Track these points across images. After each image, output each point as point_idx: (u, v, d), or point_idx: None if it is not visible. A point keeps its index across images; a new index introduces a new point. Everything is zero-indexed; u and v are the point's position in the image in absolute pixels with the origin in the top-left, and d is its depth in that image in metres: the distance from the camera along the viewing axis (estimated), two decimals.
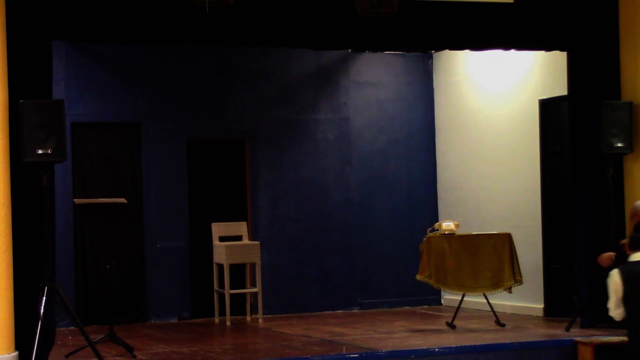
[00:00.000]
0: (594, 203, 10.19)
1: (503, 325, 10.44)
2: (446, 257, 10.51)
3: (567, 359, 9.08)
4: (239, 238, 11.84)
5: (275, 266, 12.32)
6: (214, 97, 12.24)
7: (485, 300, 10.76)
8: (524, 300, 11.42)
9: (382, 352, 8.85)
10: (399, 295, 12.82)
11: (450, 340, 9.53)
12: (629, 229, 9.23)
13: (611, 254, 9.26)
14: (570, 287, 10.88)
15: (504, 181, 12.02)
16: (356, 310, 12.61)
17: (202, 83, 12.21)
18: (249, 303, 11.96)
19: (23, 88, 8.29)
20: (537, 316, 11.28)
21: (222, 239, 11.70)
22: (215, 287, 11.66)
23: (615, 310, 7.69)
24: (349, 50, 12.15)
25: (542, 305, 11.35)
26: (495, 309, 10.68)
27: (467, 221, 11.86)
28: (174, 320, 11.81)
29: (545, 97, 11.42)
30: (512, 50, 10.75)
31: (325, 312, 12.40)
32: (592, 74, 10.28)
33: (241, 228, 11.96)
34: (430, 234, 10.64)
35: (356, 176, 12.83)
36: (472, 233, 10.93)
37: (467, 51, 11.57)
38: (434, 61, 13.29)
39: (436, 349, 8.91)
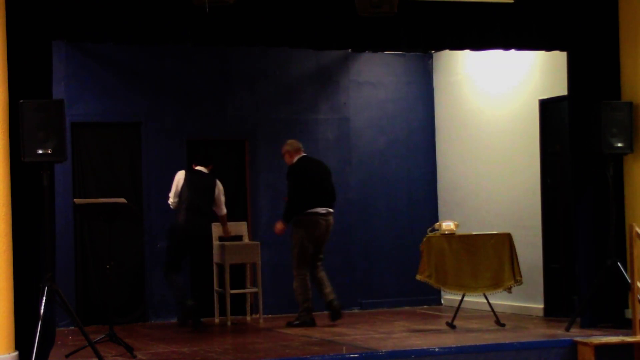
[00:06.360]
0: (594, 203, 10.18)
1: (503, 325, 10.43)
2: (446, 257, 10.50)
3: (567, 359, 9.08)
4: (239, 238, 11.84)
5: (275, 266, 12.31)
6: (214, 97, 12.24)
7: (485, 300, 10.75)
8: (524, 300, 11.41)
9: (382, 352, 8.84)
10: (399, 295, 12.82)
11: (450, 340, 9.53)
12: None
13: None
14: (570, 287, 10.88)
15: (504, 181, 12.01)
16: (356, 310, 12.61)
17: (202, 83, 12.21)
18: (249, 303, 11.96)
19: (23, 88, 8.28)
20: (537, 316, 11.28)
21: (222, 238, 11.70)
22: (215, 287, 11.65)
23: (173, 199, 11.06)
24: (349, 50, 12.15)
25: (542, 305, 11.35)
26: (495, 309, 10.67)
27: (467, 221, 11.86)
28: (174, 320, 11.80)
29: (545, 97, 11.42)
30: (512, 50, 10.74)
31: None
32: (592, 74, 10.27)
33: (241, 228, 11.96)
34: (430, 234, 10.64)
35: (356, 176, 12.83)
36: (472, 233, 10.92)
37: (467, 51, 11.56)
38: (434, 61, 13.29)
39: (436, 349, 8.90)
